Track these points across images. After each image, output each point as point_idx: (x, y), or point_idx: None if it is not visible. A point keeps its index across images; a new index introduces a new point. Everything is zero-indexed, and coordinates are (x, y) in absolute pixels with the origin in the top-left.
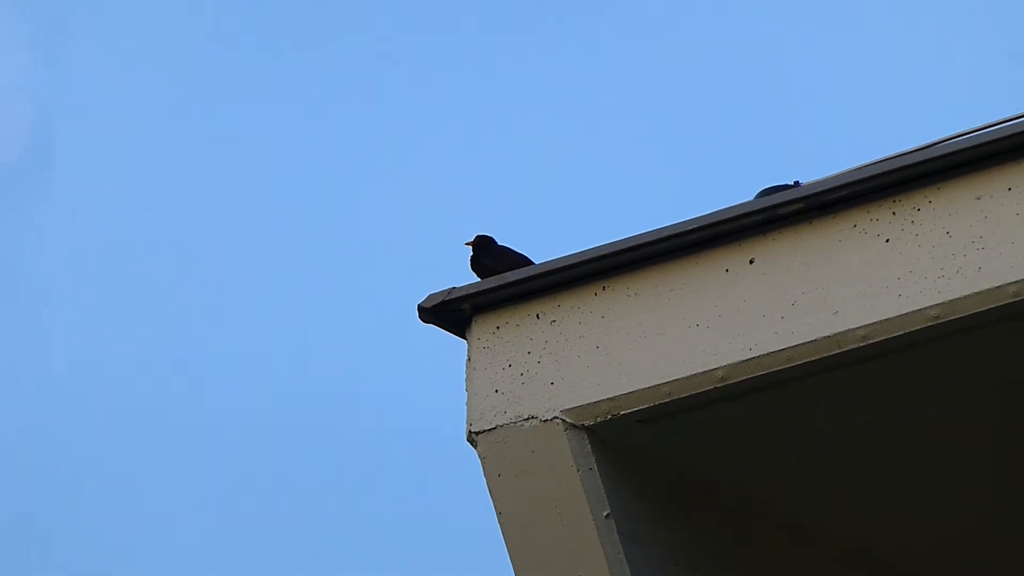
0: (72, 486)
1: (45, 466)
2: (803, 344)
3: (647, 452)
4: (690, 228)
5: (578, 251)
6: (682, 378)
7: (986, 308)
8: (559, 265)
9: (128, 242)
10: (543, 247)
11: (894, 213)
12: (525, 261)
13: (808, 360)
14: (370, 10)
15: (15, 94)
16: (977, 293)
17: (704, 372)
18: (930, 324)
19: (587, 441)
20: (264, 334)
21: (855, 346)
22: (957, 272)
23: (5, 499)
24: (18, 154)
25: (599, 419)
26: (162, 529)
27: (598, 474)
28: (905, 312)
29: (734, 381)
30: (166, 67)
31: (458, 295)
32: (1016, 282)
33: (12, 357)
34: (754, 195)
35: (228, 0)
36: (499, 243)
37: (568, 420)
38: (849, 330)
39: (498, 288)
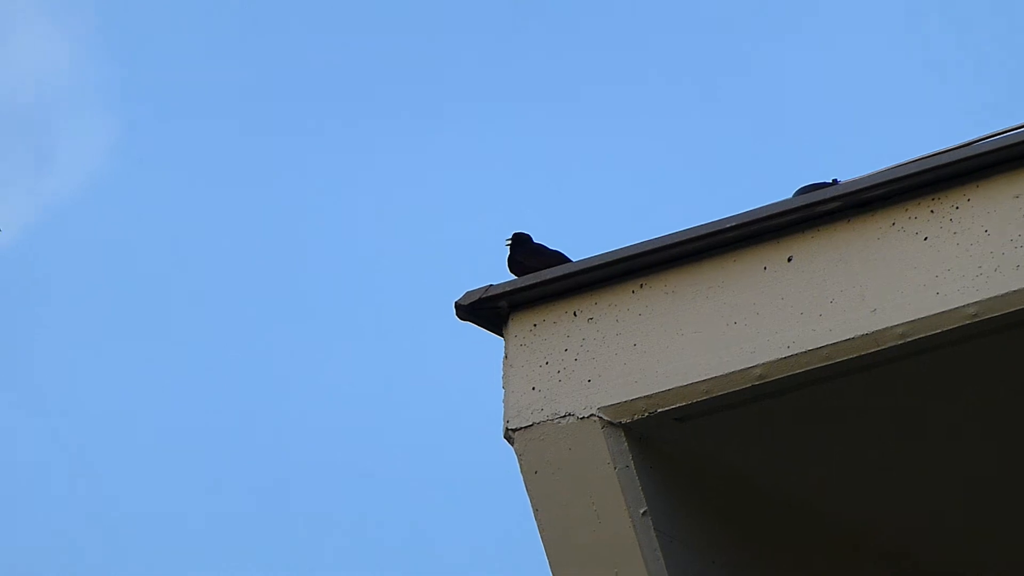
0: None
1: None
2: (841, 342)
3: (684, 450)
4: (728, 226)
5: (615, 249)
6: (720, 376)
7: None
8: (596, 263)
9: (142, 249)
10: (580, 245)
11: (932, 211)
12: (562, 259)
13: (846, 358)
14: (385, 13)
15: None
16: (1015, 291)
17: (742, 370)
18: (968, 322)
19: (624, 438)
20: (296, 334)
21: (893, 344)
22: (995, 270)
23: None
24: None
25: (636, 417)
26: (183, 526)
27: (635, 471)
28: (943, 310)
29: (772, 379)
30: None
31: (495, 292)
32: None
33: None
34: (792, 193)
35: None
36: (535, 241)
37: (605, 417)
38: (887, 328)
39: (535, 285)
